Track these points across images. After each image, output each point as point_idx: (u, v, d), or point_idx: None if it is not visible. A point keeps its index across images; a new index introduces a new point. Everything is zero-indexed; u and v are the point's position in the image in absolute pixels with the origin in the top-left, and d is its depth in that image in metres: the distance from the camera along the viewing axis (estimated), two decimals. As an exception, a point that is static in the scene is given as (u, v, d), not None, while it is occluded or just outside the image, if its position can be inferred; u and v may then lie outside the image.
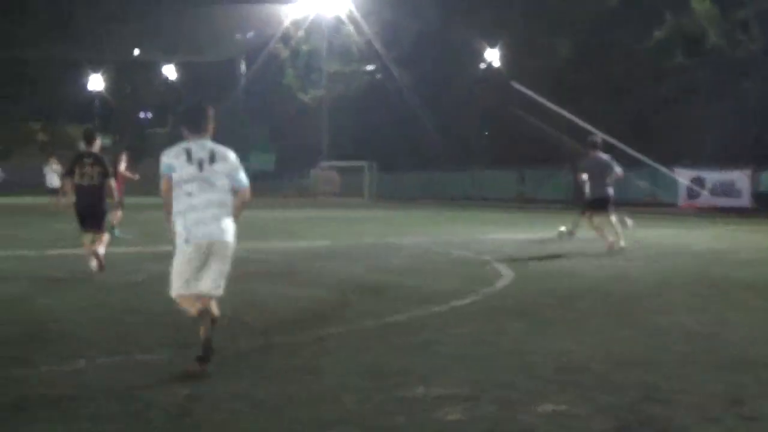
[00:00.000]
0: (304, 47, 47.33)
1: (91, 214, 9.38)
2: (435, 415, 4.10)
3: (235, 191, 5.15)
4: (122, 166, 15.85)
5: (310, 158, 46.95)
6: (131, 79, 59.29)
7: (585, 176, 13.01)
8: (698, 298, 8.27)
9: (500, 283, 9.00)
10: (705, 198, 28.92)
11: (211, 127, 5.17)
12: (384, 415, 4.12)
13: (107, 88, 59.31)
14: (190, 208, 4.95)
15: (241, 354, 5.41)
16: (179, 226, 4.97)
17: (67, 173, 9.63)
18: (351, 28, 44.31)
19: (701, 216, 25.34)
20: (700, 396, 4.45)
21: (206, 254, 4.95)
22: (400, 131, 43.71)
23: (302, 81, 48.07)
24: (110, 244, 9.67)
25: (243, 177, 5.18)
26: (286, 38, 47.30)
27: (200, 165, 4.99)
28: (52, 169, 25.60)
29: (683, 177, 29.20)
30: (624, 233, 12.95)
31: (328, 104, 47.64)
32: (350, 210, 29.54)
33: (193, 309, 5.05)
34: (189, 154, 5.00)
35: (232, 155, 5.15)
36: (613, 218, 12.87)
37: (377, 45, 43.04)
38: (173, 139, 5.16)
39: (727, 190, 28.58)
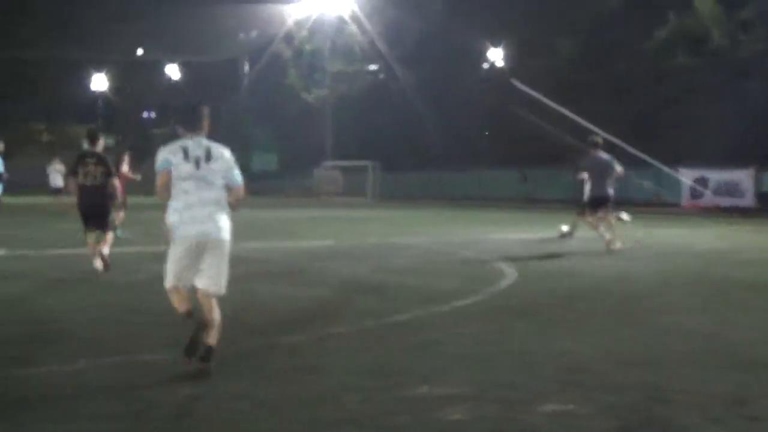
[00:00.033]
0: (307, 47, 47.28)
1: (95, 214, 9.40)
2: (437, 415, 4.10)
3: (229, 189, 5.17)
4: (124, 167, 15.86)
5: (313, 158, 46.92)
6: (134, 79, 59.20)
7: (584, 175, 13.00)
8: (699, 298, 8.27)
9: (502, 283, 8.99)
10: (708, 198, 28.89)
11: (206, 125, 5.18)
12: (385, 415, 4.11)
13: (110, 88, 59.29)
14: (186, 206, 4.96)
15: (242, 354, 5.40)
16: (174, 222, 4.98)
17: (71, 173, 9.67)
18: (354, 27, 44.27)
19: (704, 216, 25.33)
20: (701, 396, 4.45)
21: (200, 251, 4.97)
22: (403, 131, 43.72)
23: (305, 81, 48.02)
24: (113, 244, 9.68)
25: (237, 175, 5.19)
26: (289, 38, 47.23)
27: (197, 163, 5.00)
28: (56, 169, 25.67)
29: (687, 177, 29.16)
30: (623, 232, 12.93)
31: (331, 104, 47.68)
32: (353, 210, 29.52)
33: (181, 308, 5.10)
34: (186, 152, 5.00)
35: (227, 153, 5.16)
36: (612, 219, 12.88)
37: (380, 45, 42.99)
38: (175, 139, 5.17)
39: (730, 190, 28.57)
